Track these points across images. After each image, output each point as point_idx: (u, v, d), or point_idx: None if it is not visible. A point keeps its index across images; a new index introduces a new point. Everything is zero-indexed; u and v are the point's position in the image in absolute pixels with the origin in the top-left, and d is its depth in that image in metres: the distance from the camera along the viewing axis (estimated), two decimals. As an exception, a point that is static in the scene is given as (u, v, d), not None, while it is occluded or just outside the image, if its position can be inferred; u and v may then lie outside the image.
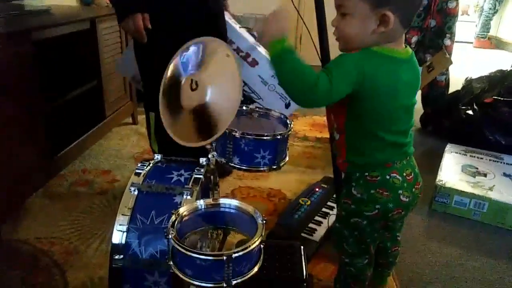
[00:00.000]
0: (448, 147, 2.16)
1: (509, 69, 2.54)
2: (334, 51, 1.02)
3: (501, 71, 2.57)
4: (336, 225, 1.11)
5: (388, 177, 0.97)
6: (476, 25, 6.01)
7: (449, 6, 2.34)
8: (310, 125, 2.69)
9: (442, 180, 1.81)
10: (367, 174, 0.99)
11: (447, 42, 2.43)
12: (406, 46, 0.96)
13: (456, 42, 2.49)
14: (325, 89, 0.86)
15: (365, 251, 1.09)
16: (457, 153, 2.10)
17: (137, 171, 1.09)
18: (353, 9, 0.89)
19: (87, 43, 1.98)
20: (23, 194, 1.57)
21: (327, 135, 2.50)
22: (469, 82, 2.60)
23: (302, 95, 0.89)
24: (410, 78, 0.95)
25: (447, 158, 2.03)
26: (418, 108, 2.66)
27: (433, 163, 2.04)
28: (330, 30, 1.02)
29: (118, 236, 0.98)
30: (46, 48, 1.67)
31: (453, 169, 1.93)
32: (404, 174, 0.99)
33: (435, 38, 2.43)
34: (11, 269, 1.32)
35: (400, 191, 0.98)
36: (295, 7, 1.32)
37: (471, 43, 5.99)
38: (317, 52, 1.29)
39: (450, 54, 2.44)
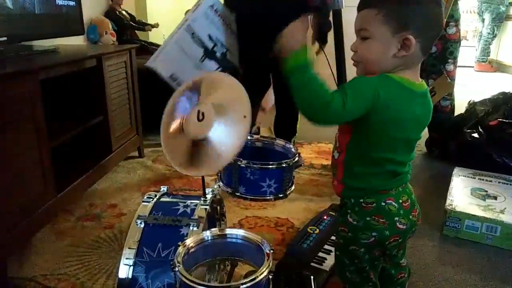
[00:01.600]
0: (456, 170, 2.14)
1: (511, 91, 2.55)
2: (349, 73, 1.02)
3: (503, 93, 2.58)
4: (337, 254, 1.09)
5: (383, 203, 0.96)
6: (476, 50, 6.09)
7: (448, 32, 2.38)
8: (316, 153, 2.69)
9: (452, 205, 1.78)
10: (362, 200, 0.98)
11: (450, 67, 2.44)
12: (422, 80, 0.96)
13: (458, 66, 2.51)
14: (337, 109, 0.86)
15: (367, 279, 1.06)
16: (465, 176, 2.08)
17: (143, 203, 1.09)
18: (374, 33, 0.89)
19: (94, 79, 2.03)
20: (29, 231, 1.56)
21: (333, 162, 2.50)
22: (472, 105, 2.61)
23: (314, 111, 0.88)
24: (422, 113, 0.94)
25: (456, 182, 2.01)
26: (424, 133, 2.66)
27: (441, 187, 2.02)
28: (348, 53, 1.02)
29: (124, 270, 0.97)
30: (54, 85, 1.71)
31: (462, 193, 1.90)
32: (400, 201, 0.98)
33: (437, 64, 2.45)
34: (17, 308, 1.30)
35: (397, 218, 0.96)
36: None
37: (472, 67, 6.06)
38: (332, 74, 1.30)
39: (453, 79, 2.46)
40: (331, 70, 1.54)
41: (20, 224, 1.47)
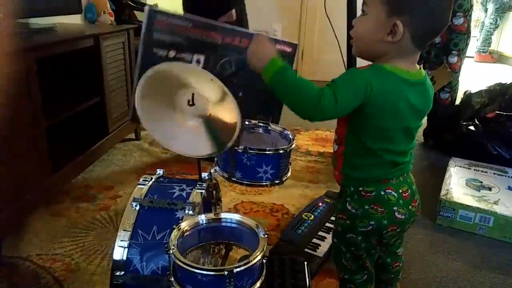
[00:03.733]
0: (452, 161, 2.15)
1: (509, 82, 2.54)
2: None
3: (500, 84, 2.57)
4: (334, 241, 1.10)
5: (382, 193, 0.96)
6: (477, 40, 6.05)
7: (454, 22, 2.29)
8: (312, 140, 2.68)
9: (446, 194, 1.79)
10: (361, 189, 0.98)
11: (453, 59, 2.36)
12: (420, 68, 0.96)
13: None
14: (329, 102, 0.86)
15: (363, 267, 1.07)
16: (461, 167, 2.09)
17: (139, 186, 1.09)
18: (371, 10, 0.89)
19: (91, 60, 2.00)
20: (24, 211, 1.56)
21: (330, 150, 2.50)
22: (468, 97, 2.59)
23: (306, 109, 0.88)
24: (419, 102, 0.93)
25: (451, 172, 2.02)
26: (423, 122, 2.65)
27: (436, 177, 2.03)
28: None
29: (119, 252, 0.97)
30: (51, 64, 1.69)
31: (458, 183, 1.91)
32: (400, 191, 0.98)
33: (439, 55, 2.40)
34: (12, 286, 1.31)
35: (395, 208, 0.97)
36: (326, 14, 1.31)
37: (472, 57, 6.02)
38: (342, 59, 1.27)
39: (456, 72, 2.39)
40: (341, 53, 1.50)
41: (15, 203, 1.47)
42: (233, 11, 2.24)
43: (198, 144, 1.04)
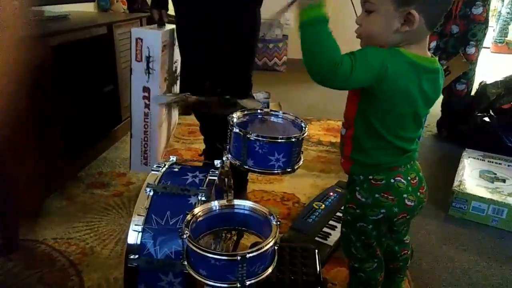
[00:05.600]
0: (466, 152, 2.12)
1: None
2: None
3: (517, 76, 2.52)
4: (343, 230, 1.10)
5: (392, 180, 0.96)
6: (493, 30, 5.92)
7: (473, 12, 2.21)
8: (324, 130, 2.67)
9: (459, 186, 1.78)
10: (371, 177, 0.98)
11: (471, 50, 2.30)
12: (432, 56, 0.95)
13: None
14: (345, 72, 0.84)
15: (373, 255, 1.07)
16: (474, 158, 2.06)
17: (152, 172, 1.10)
18: (378, 6, 0.88)
19: (104, 47, 2.02)
20: (41, 195, 1.59)
21: (341, 140, 2.49)
22: (483, 87, 2.54)
23: (321, 70, 0.86)
24: (430, 89, 0.93)
25: (465, 164, 2.00)
26: (436, 113, 2.62)
27: (449, 168, 2.01)
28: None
29: (133, 236, 0.98)
30: (65, 52, 1.70)
31: (471, 175, 1.89)
32: (409, 178, 0.98)
33: (457, 45, 2.33)
34: (28, 269, 1.34)
35: (405, 195, 0.97)
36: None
37: (488, 48, 5.91)
38: None
39: (473, 63, 2.34)
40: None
41: (32, 189, 1.50)
42: None
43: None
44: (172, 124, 2.01)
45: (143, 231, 0.99)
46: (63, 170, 1.71)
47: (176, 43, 1.67)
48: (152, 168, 1.12)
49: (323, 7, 0.85)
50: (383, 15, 0.87)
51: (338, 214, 1.63)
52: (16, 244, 1.43)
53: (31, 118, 1.46)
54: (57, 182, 1.70)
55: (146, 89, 1.59)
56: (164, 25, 1.63)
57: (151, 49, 1.54)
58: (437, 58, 0.96)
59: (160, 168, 1.12)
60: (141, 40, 1.54)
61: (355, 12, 0.95)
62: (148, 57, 1.55)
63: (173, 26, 1.64)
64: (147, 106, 1.61)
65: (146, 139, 1.66)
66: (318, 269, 1.22)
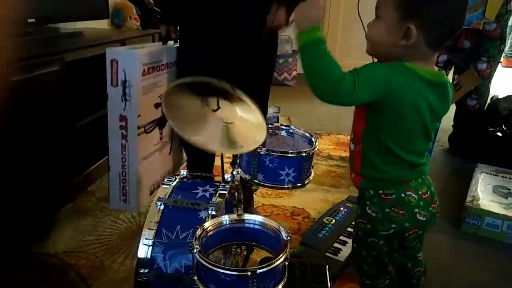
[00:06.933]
0: (478, 167, 2.10)
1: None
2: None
3: (529, 90, 2.49)
4: (354, 246, 1.09)
5: (403, 195, 0.96)
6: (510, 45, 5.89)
7: (486, 28, 2.17)
8: (334, 144, 2.67)
9: (472, 201, 1.75)
10: (381, 192, 0.97)
11: (482, 66, 2.26)
12: (439, 70, 0.95)
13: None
14: (347, 89, 0.86)
15: (385, 271, 1.06)
16: (487, 173, 2.03)
17: (163, 186, 1.11)
18: (384, 14, 0.90)
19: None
20: (53, 208, 1.61)
21: (351, 154, 2.48)
22: (495, 102, 2.52)
23: (324, 88, 0.88)
24: (437, 102, 0.93)
25: (477, 179, 1.97)
26: (449, 128, 2.60)
27: (462, 183, 1.99)
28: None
29: (143, 250, 0.99)
30: (79, 68, 1.74)
31: (484, 190, 1.86)
32: (420, 192, 0.97)
33: (468, 60, 2.29)
34: (40, 282, 1.35)
35: (416, 210, 0.96)
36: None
37: (500, 62, 5.87)
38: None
39: (486, 79, 2.30)
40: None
41: (44, 202, 1.51)
42: None
43: (214, 142, 1.03)
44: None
45: (153, 245, 0.99)
46: (75, 184, 1.73)
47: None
48: (163, 182, 1.13)
49: (319, 29, 0.89)
50: (386, 23, 0.89)
51: (349, 229, 1.61)
52: (29, 257, 1.44)
53: (45, 132, 1.49)
54: (69, 195, 1.72)
55: (123, 118, 1.39)
56: (172, 41, 1.54)
57: (127, 73, 1.34)
58: (444, 72, 0.96)
59: (171, 182, 1.13)
60: (116, 62, 1.34)
61: (364, 28, 0.96)
62: (124, 82, 1.35)
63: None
64: (124, 137, 1.40)
65: (124, 173, 1.44)
66: (329, 285, 1.20)
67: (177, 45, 1.55)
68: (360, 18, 1.01)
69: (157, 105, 1.50)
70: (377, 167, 0.97)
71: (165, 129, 1.60)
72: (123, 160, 1.43)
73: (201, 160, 1.58)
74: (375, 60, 0.97)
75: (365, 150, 0.98)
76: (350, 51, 3.89)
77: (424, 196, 0.97)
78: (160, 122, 1.55)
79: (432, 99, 0.91)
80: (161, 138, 1.59)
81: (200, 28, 1.44)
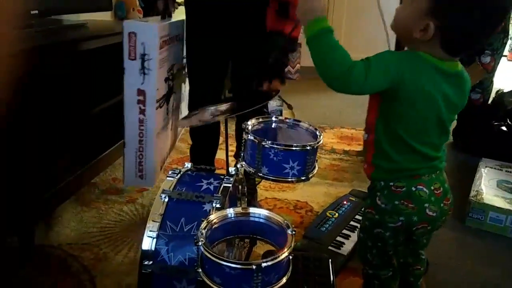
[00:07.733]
0: (482, 161, 2.09)
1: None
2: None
3: (535, 84, 2.47)
4: (360, 235, 1.09)
5: (414, 188, 0.95)
6: (510, 38, 5.85)
7: None
8: (338, 138, 2.66)
9: (476, 196, 1.75)
10: (392, 184, 0.97)
11: (486, 59, 2.25)
12: (456, 60, 0.94)
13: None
14: (358, 77, 0.85)
15: (388, 263, 1.06)
16: (492, 168, 2.02)
17: (168, 178, 1.11)
18: (415, 2, 0.88)
19: (121, 55, 2.04)
20: (56, 200, 1.61)
21: (355, 148, 2.47)
22: (500, 96, 2.51)
23: (334, 77, 0.88)
24: (454, 93, 0.92)
25: (481, 173, 1.96)
26: (453, 122, 2.59)
27: (465, 178, 1.98)
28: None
29: (148, 242, 0.99)
30: (83, 60, 1.73)
31: (488, 185, 1.86)
32: (432, 187, 0.96)
33: (471, 53, 2.25)
34: (43, 274, 1.35)
35: (427, 205, 0.95)
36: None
37: (505, 56, 5.83)
38: (386, 33, 1.22)
39: (489, 72, 2.29)
40: (385, 27, 1.42)
41: (47, 194, 1.51)
42: None
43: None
44: (179, 128, 1.85)
45: (158, 237, 0.99)
46: (78, 176, 1.73)
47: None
48: (168, 175, 1.13)
49: (325, 19, 0.88)
50: (413, 10, 0.88)
51: (352, 223, 1.62)
52: (32, 249, 1.44)
53: (48, 124, 1.49)
54: (73, 187, 1.72)
55: (141, 92, 1.38)
56: (170, 16, 1.49)
57: (147, 46, 1.32)
58: (459, 62, 0.94)
59: (175, 175, 1.13)
60: (135, 34, 1.32)
61: (384, 21, 0.96)
62: (143, 55, 1.34)
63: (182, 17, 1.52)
64: (142, 111, 1.40)
65: (141, 149, 1.45)
66: (331, 279, 1.20)
67: (172, 19, 1.52)
68: (381, 14, 1.01)
69: (166, 80, 1.49)
70: (390, 158, 0.96)
71: (170, 104, 1.60)
72: (140, 135, 1.43)
73: (204, 147, 1.62)
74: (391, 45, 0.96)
75: (378, 139, 0.97)
76: (355, 45, 3.87)
77: (436, 192, 0.96)
78: (168, 97, 1.55)
79: (448, 90, 0.90)
80: (167, 114, 1.58)
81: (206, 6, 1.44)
